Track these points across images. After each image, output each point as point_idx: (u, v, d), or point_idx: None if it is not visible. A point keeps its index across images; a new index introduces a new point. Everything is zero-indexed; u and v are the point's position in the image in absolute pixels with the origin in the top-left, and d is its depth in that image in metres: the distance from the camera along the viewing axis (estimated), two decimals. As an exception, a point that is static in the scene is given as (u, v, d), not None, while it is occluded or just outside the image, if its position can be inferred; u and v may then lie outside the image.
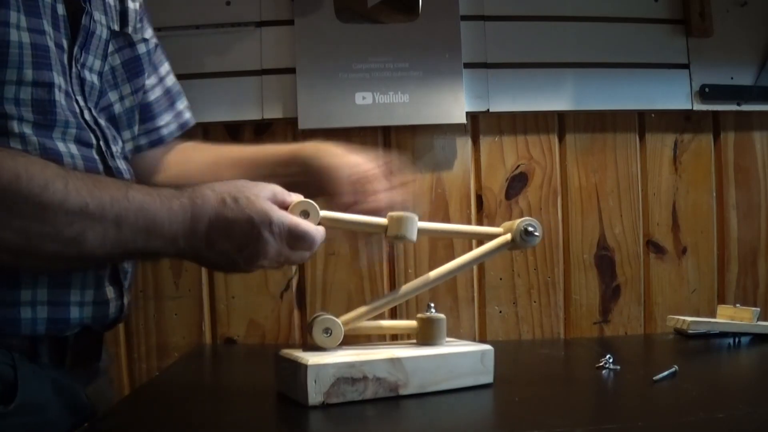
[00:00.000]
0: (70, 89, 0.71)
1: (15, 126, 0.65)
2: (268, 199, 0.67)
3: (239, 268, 0.67)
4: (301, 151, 0.85)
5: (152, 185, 0.69)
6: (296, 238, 0.67)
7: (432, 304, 0.76)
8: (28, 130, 0.66)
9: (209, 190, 0.65)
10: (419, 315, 0.76)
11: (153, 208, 0.63)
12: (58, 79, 0.69)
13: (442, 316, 0.75)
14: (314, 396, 0.65)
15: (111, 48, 0.80)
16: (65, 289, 0.70)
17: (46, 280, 0.68)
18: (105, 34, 0.78)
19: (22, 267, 0.62)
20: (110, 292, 0.74)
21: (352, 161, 0.81)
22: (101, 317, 0.74)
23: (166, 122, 0.92)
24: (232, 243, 0.65)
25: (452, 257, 1.23)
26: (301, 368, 0.66)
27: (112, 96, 0.80)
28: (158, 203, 0.63)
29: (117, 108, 0.81)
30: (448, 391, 0.72)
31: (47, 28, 0.68)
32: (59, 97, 0.69)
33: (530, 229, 0.73)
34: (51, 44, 0.68)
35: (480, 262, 0.78)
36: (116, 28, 0.81)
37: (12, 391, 0.65)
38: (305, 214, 0.68)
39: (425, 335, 0.75)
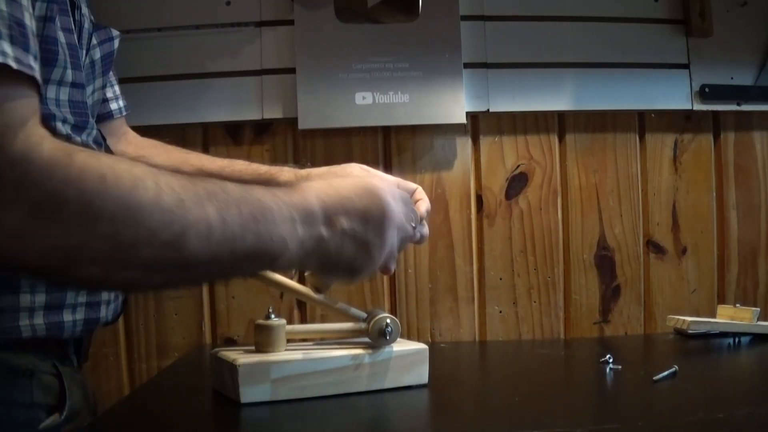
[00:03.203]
0: None
1: (60, 127, 0.64)
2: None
3: (373, 251, 0.60)
4: (276, 178, 0.82)
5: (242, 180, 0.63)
6: (410, 206, 0.63)
7: (271, 309, 0.74)
8: (70, 132, 0.66)
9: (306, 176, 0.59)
10: (258, 321, 0.73)
11: (256, 195, 0.55)
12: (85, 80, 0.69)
13: (281, 321, 0.73)
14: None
15: (94, 41, 0.80)
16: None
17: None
18: (89, 26, 0.78)
19: (113, 281, 0.52)
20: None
21: None
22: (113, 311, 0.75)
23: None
24: (355, 217, 0.58)
25: (453, 257, 1.24)
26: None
27: (88, 90, 0.79)
28: (259, 191, 0.55)
29: (89, 102, 0.79)
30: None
31: (73, 26, 0.67)
32: (87, 98, 0.69)
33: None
34: (77, 43, 0.68)
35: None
36: (93, 19, 0.81)
37: (62, 399, 0.66)
38: None
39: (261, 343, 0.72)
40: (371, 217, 0.59)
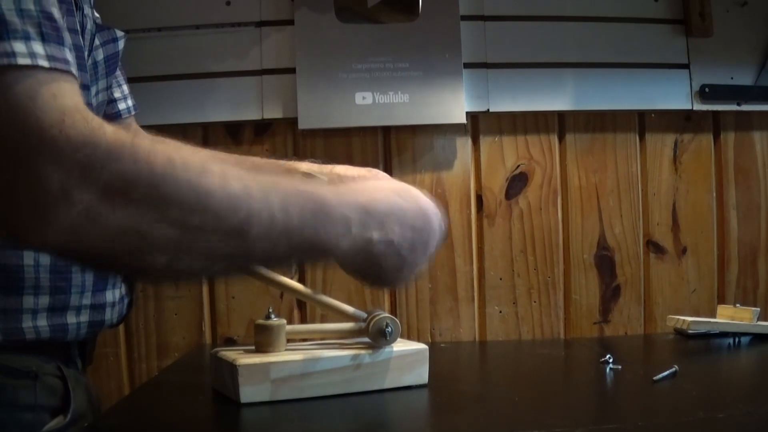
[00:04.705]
0: None
1: None
2: None
3: (406, 266, 0.61)
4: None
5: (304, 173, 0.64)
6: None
7: (271, 309, 0.74)
8: None
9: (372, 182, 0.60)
10: (258, 321, 0.73)
11: (320, 191, 0.56)
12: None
13: (281, 321, 0.72)
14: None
15: (97, 42, 0.79)
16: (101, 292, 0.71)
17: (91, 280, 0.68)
18: (92, 27, 0.77)
19: (174, 269, 0.51)
20: (123, 289, 0.75)
21: None
22: (118, 313, 0.75)
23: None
24: (405, 230, 0.60)
25: (453, 257, 1.24)
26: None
27: (92, 91, 0.78)
28: (324, 187, 0.57)
29: (94, 103, 0.78)
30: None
31: (77, 26, 0.67)
32: (92, 99, 0.69)
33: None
34: (81, 44, 0.67)
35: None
36: (99, 20, 0.80)
37: (66, 401, 0.66)
38: None
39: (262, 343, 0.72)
40: (419, 236, 0.61)
